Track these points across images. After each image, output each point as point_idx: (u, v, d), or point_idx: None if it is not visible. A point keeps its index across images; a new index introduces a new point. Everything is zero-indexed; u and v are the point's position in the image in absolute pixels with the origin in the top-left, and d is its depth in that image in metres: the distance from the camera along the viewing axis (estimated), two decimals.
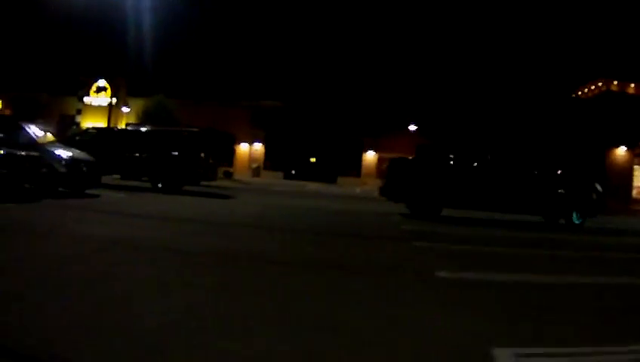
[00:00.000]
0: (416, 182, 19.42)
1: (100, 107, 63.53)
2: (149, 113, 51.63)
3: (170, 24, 61.70)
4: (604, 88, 55.71)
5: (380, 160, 60.09)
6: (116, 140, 25.21)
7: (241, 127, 61.23)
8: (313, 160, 62.86)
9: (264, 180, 54.57)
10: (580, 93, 58.02)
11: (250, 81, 63.53)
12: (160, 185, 23.73)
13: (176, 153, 24.31)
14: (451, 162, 19.95)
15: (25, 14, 50.87)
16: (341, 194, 35.67)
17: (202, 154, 25.99)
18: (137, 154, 24.41)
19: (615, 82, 55.21)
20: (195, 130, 27.50)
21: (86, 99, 62.18)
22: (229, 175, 43.23)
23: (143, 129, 26.55)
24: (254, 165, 61.22)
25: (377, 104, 59.97)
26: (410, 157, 21.91)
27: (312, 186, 46.85)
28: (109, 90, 65.05)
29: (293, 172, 62.60)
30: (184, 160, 24.14)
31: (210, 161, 30.63)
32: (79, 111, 64.56)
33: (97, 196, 18.38)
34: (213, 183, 32.36)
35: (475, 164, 19.69)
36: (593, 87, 56.71)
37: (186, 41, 65.18)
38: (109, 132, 27.97)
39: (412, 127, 57.21)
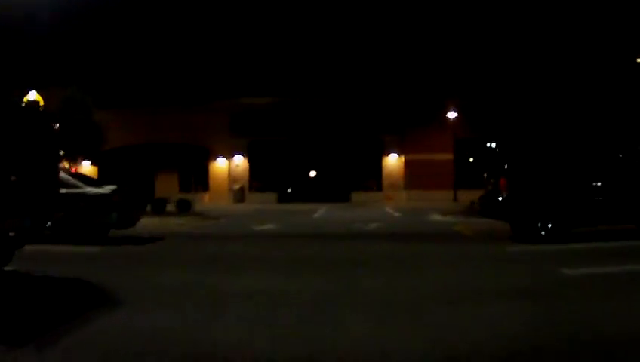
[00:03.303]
0: None
1: None
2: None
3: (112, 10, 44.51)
4: None
5: (407, 164, 43.81)
6: None
7: (217, 137, 45.73)
8: (313, 174, 46.27)
9: (249, 206, 38.37)
10: None
11: (227, 74, 46.60)
12: None
13: None
14: None
15: None
16: (385, 230, 19.49)
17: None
18: None
19: None
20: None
21: None
22: (185, 207, 26.80)
23: None
24: (236, 186, 44.80)
25: (399, 87, 43.50)
26: None
27: (321, 211, 30.59)
28: (42, 104, 48.36)
29: (289, 190, 46.03)
30: None
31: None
32: None
33: None
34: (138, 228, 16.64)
35: None
36: None
37: (139, 29, 47.56)
38: None
39: (451, 115, 40.93)
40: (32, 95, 44.72)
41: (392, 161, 44.98)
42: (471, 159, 44.08)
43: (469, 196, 40.36)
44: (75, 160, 34.31)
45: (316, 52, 46.33)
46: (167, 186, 44.20)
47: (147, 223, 21.45)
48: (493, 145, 42.63)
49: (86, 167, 45.65)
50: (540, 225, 13.24)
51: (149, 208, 26.86)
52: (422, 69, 43.59)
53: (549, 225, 13.20)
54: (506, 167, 14.48)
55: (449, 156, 42.27)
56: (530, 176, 13.90)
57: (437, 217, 23.94)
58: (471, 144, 43.45)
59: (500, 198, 13.67)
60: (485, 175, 15.72)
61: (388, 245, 14.28)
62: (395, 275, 9.49)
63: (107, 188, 15.64)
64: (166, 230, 19.18)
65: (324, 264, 10.92)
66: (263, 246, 14.39)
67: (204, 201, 43.46)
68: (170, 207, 27.32)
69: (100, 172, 46.16)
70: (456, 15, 44.65)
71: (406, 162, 43.98)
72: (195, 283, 8.82)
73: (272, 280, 9.04)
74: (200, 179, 46.23)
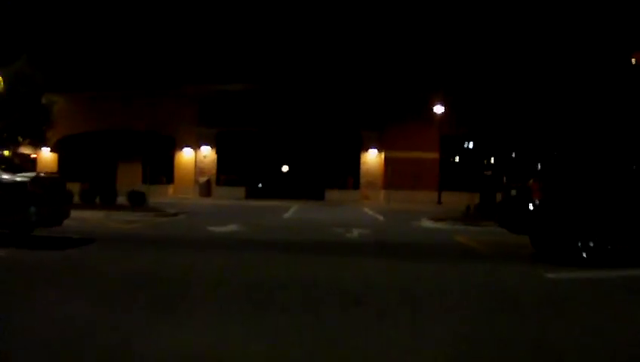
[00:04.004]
0: None
1: None
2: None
3: None
4: None
5: (387, 161, 40.61)
6: None
7: (184, 126, 42.34)
8: (285, 168, 42.94)
9: (214, 201, 35.19)
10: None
11: (196, 58, 43.02)
12: None
13: None
14: None
15: None
16: (372, 239, 16.31)
17: None
18: None
19: None
20: None
21: None
22: (138, 200, 23.34)
23: None
24: (202, 179, 41.44)
25: (380, 78, 40.35)
26: None
27: (293, 210, 27.36)
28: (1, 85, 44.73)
29: (260, 185, 42.70)
30: None
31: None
32: None
33: None
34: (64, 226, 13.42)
35: None
36: None
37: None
38: None
39: (438, 109, 37.73)
40: None
41: (371, 157, 41.82)
42: (457, 158, 41.15)
43: (453, 199, 37.41)
44: (16, 142, 30.64)
45: (292, 38, 43.02)
46: (129, 177, 41.06)
47: (90, 218, 18.31)
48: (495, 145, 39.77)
49: (46, 154, 42.40)
50: (580, 244, 10.17)
51: (97, 200, 23.54)
52: (405, 59, 40.44)
53: (591, 244, 10.14)
54: (539, 167, 11.27)
55: (434, 154, 39.35)
56: (571, 180, 10.80)
57: (428, 223, 20.78)
58: (457, 142, 40.50)
59: (532, 206, 10.53)
60: (504, 178, 12.56)
61: (383, 264, 11.05)
62: (415, 328, 6.21)
63: (24, 176, 12.36)
64: (106, 228, 15.95)
65: (299, 299, 7.60)
66: (217, 261, 11.04)
67: (168, 194, 40.37)
68: (123, 200, 23.86)
69: (60, 160, 42.89)
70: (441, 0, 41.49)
71: (386, 159, 40.76)
72: (85, 334, 5.54)
73: (214, 334, 5.78)
74: (165, 170, 42.61)
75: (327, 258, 11.64)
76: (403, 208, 31.27)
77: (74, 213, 18.93)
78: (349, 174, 42.25)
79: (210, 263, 10.71)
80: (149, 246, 12.93)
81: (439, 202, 36.58)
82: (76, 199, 22.70)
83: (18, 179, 12.06)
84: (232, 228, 17.38)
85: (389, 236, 16.81)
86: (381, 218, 23.86)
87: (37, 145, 36.72)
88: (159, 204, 25.19)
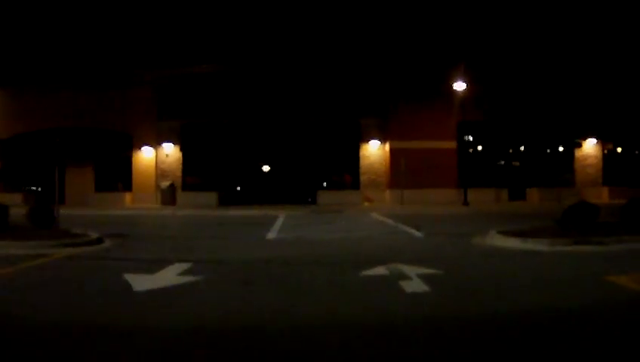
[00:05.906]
0: None
1: None
2: None
3: None
4: None
5: (393, 154, 32.96)
6: None
7: (141, 119, 34.90)
8: (267, 168, 35.24)
9: (177, 212, 27.34)
10: None
11: (152, 35, 35.35)
12: None
13: None
14: None
15: None
16: (469, 308, 8.14)
17: None
18: None
19: None
20: None
21: None
22: (44, 220, 14.89)
23: None
24: (164, 184, 33.68)
25: (382, 53, 32.84)
26: None
27: (280, 223, 19.42)
28: None
29: (238, 188, 35.09)
30: None
31: None
32: None
33: None
34: None
35: None
36: None
37: None
38: None
39: (458, 86, 30.25)
40: None
41: (373, 150, 34.22)
42: (478, 148, 33.74)
43: (479, 197, 30.58)
44: None
45: (269, 4, 35.24)
46: (80, 183, 34.29)
47: None
48: None
49: None
50: None
51: None
52: (413, 26, 32.98)
53: None
54: None
55: (450, 143, 32.08)
56: None
57: (510, 242, 12.27)
58: (477, 128, 33.08)
59: None
60: None
61: None
62: None
63: None
64: None
65: None
66: None
67: (124, 204, 33.40)
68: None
69: (3, 164, 35.56)
70: None
71: (391, 151, 33.11)
72: None
73: None
74: (121, 174, 35.38)
75: None
76: (425, 212, 23.84)
77: None
78: (346, 171, 34.79)
79: None
80: None
81: (465, 202, 29.35)
82: None
83: None
84: (170, 275, 9.20)
85: (484, 285, 8.35)
86: (416, 233, 15.65)
87: None
88: (83, 222, 17.24)
